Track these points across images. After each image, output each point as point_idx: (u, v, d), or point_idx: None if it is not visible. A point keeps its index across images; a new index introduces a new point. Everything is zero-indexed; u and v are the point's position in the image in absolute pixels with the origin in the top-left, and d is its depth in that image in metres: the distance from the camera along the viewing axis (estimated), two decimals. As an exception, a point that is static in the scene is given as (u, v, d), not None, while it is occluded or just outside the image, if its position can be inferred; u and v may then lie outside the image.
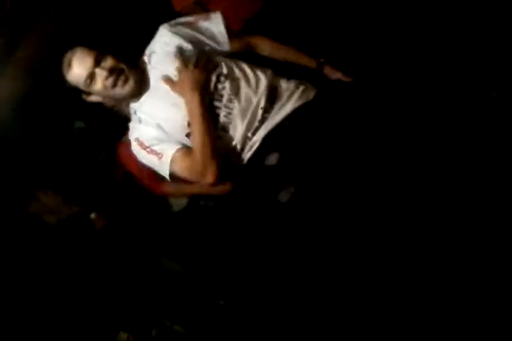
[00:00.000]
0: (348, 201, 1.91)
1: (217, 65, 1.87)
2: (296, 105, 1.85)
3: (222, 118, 1.83)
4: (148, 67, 1.91)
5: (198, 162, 1.78)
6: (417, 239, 2.09)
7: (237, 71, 1.87)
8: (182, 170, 1.82)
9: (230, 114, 1.84)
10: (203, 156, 1.77)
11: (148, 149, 1.86)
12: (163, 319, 2.54)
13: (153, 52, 1.92)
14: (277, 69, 1.95)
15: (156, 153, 1.84)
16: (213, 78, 1.85)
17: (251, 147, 1.86)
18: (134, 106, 1.94)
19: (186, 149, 1.82)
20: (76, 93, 1.92)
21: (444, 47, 2.49)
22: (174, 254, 2.63)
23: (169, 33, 1.91)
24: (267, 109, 1.85)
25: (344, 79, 2.02)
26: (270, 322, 2.44)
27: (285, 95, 1.87)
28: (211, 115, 1.82)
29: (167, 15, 2.20)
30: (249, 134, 1.84)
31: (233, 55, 1.98)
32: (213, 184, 1.81)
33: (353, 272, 2.12)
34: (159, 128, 1.86)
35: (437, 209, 2.13)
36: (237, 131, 1.84)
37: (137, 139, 1.89)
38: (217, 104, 1.84)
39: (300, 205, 1.88)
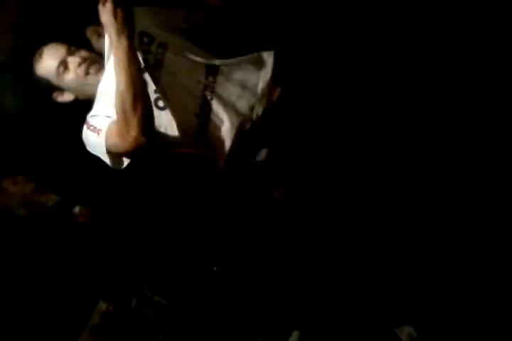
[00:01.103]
0: (338, 197, 1.87)
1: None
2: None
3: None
4: None
5: (120, 120, 1.57)
6: (410, 236, 2.06)
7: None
8: (111, 137, 1.62)
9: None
10: (124, 111, 1.56)
11: (91, 127, 1.69)
12: (143, 289, 2.50)
13: None
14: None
15: (96, 130, 1.67)
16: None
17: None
18: None
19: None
20: (47, 93, 1.80)
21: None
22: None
23: None
24: None
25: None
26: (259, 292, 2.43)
27: None
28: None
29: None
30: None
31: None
32: (138, 140, 1.57)
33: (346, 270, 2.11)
34: (98, 102, 1.73)
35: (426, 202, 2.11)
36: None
37: (86, 120, 1.74)
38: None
39: (291, 202, 1.82)
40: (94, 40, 1.82)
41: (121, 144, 1.59)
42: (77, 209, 2.40)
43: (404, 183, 2.07)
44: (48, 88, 1.76)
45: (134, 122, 1.54)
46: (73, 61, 1.70)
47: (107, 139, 1.62)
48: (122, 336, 2.45)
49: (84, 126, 1.73)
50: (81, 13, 2.22)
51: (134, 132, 1.55)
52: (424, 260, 2.20)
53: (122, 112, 1.55)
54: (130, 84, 1.55)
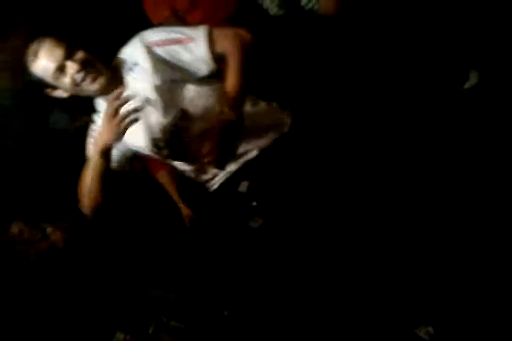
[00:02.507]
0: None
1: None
2: (273, 138, 1.78)
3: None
4: (125, 74, 1.80)
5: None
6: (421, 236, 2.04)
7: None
8: None
9: None
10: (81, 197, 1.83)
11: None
12: (159, 315, 2.50)
13: (135, 64, 1.79)
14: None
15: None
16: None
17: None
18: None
19: None
20: (39, 87, 1.79)
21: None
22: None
23: (143, 51, 1.76)
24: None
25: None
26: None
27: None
28: None
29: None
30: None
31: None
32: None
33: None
34: None
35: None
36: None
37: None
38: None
39: (270, 232, 1.85)
40: None
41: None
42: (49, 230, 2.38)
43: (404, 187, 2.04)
44: (41, 84, 1.76)
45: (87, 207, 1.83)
46: (71, 66, 1.67)
47: None
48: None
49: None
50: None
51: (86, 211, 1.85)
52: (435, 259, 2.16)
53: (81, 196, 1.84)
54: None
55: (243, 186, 1.74)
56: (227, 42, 1.69)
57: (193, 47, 1.69)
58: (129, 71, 1.78)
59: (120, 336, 2.47)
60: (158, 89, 1.71)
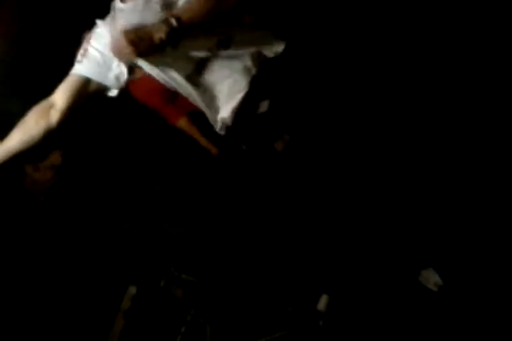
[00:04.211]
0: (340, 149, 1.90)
1: None
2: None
3: None
4: None
5: None
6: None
7: None
8: None
9: None
10: None
11: None
12: (170, 269, 2.56)
13: None
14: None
15: None
16: None
17: None
18: None
19: None
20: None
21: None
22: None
23: None
24: None
25: None
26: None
27: None
28: None
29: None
30: None
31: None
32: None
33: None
34: None
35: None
36: None
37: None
38: None
39: (295, 153, 1.86)
40: None
41: None
42: None
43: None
44: None
45: None
46: None
47: None
48: (156, 316, 2.50)
49: None
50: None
51: None
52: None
53: None
54: None
55: (264, 106, 1.79)
56: None
57: None
58: None
59: (133, 289, 2.52)
60: None
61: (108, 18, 1.78)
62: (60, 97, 1.73)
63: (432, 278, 2.32)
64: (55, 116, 1.71)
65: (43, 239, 2.45)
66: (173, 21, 1.53)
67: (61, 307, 2.44)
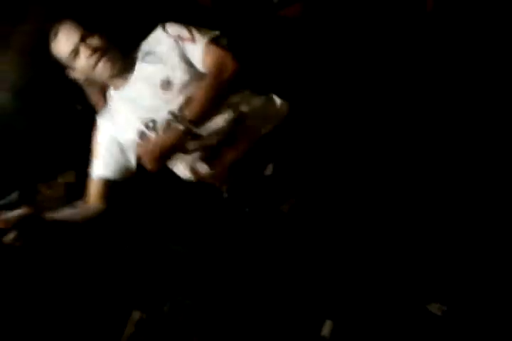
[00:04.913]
0: (346, 206, 1.95)
1: None
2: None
3: None
4: (138, 63, 1.90)
5: None
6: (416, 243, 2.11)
7: None
8: None
9: None
10: None
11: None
12: (174, 294, 2.55)
13: (151, 52, 1.89)
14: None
15: None
16: None
17: None
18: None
19: None
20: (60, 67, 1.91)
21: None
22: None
23: (161, 36, 1.88)
24: None
25: None
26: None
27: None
28: None
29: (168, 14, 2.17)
30: None
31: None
32: None
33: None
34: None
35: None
36: None
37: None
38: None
39: (301, 215, 1.92)
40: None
41: None
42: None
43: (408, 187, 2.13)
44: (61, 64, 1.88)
45: None
46: (84, 51, 1.77)
47: None
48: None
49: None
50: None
51: None
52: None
53: None
54: None
55: (269, 169, 1.80)
56: (212, 62, 1.79)
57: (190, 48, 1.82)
58: (145, 57, 1.88)
59: (136, 314, 2.52)
60: (171, 69, 1.81)
61: (105, 112, 1.99)
62: (94, 201, 2.05)
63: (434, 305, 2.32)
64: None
65: (46, 262, 2.47)
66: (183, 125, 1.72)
67: (64, 332, 2.43)
